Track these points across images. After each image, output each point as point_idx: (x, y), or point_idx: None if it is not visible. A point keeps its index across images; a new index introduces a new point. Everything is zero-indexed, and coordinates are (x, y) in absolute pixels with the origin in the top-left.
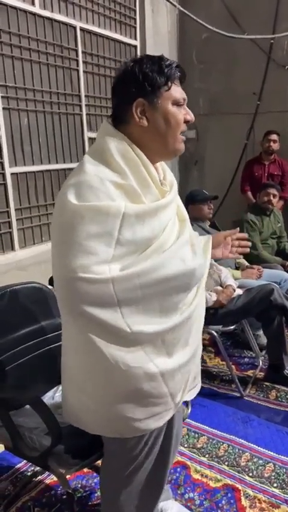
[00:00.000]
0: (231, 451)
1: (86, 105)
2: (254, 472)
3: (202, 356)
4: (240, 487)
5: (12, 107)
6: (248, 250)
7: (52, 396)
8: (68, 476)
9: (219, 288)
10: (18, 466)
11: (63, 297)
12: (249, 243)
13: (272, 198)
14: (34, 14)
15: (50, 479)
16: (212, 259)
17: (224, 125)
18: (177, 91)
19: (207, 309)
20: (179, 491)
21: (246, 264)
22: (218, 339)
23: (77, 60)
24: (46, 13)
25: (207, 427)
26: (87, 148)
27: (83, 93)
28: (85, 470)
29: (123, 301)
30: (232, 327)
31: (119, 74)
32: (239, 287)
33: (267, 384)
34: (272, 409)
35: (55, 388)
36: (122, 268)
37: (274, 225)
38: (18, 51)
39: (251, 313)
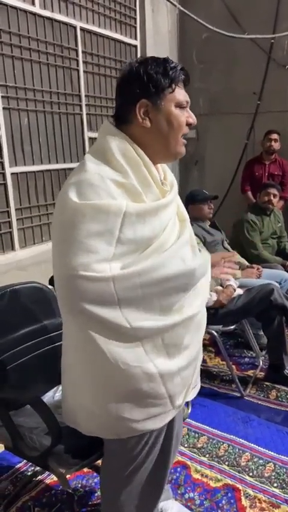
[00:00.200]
0: (231, 451)
1: (86, 105)
2: (254, 472)
3: (202, 356)
4: (240, 487)
5: (13, 106)
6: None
7: (52, 396)
8: (68, 476)
9: (220, 287)
10: (18, 465)
11: (64, 295)
12: (237, 266)
13: (272, 198)
14: (34, 14)
15: (50, 479)
16: None
17: (224, 124)
18: (180, 93)
19: (208, 309)
20: (179, 491)
21: (247, 263)
22: (218, 338)
23: (77, 60)
24: (46, 13)
25: (207, 427)
26: (87, 148)
27: (83, 93)
28: (85, 470)
29: (124, 299)
30: (232, 327)
31: (124, 74)
32: (240, 287)
33: (268, 383)
34: (272, 409)
35: (55, 388)
36: (123, 267)
37: (274, 225)
38: (18, 51)
39: (251, 313)
